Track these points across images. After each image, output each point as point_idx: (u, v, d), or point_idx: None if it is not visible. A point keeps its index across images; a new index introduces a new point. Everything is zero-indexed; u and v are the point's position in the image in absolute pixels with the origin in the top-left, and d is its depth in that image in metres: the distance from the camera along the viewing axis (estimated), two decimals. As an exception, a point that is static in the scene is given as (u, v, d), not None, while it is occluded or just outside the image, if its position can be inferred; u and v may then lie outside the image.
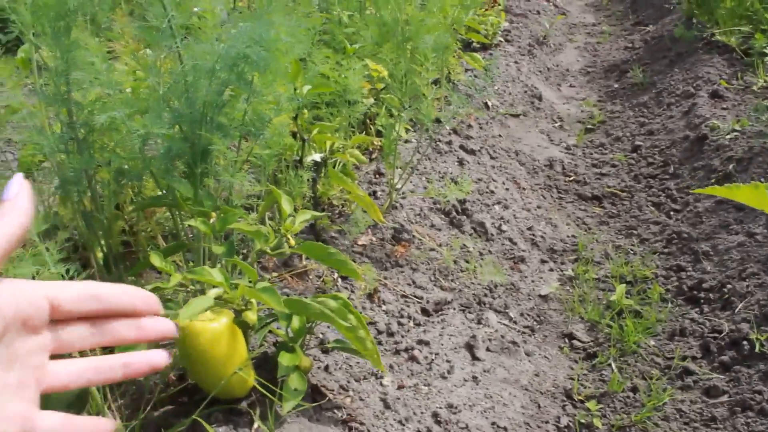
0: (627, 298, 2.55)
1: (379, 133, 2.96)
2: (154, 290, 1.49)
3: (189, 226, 1.68)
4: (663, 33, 5.56)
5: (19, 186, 0.72)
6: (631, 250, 2.94)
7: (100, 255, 1.97)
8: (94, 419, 0.77)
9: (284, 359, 1.55)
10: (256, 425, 1.55)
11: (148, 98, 1.67)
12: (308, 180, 2.20)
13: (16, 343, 0.71)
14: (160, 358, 0.76)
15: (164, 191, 1.78)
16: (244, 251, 2.08)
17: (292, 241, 1.63)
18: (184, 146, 1.65)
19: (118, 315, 0.76)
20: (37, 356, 0.73)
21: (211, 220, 1.62)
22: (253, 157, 1.85)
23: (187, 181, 1.67)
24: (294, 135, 2.20)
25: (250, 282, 1.48)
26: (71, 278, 1.40)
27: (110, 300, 0.75)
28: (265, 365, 1.72)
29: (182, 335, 1.43)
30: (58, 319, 0.74)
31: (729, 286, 2.42)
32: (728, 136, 3.32)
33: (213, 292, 1.46)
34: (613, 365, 2.25)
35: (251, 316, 1.46)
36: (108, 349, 0.82)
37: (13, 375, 0.70)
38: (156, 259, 1.53)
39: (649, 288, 2.62)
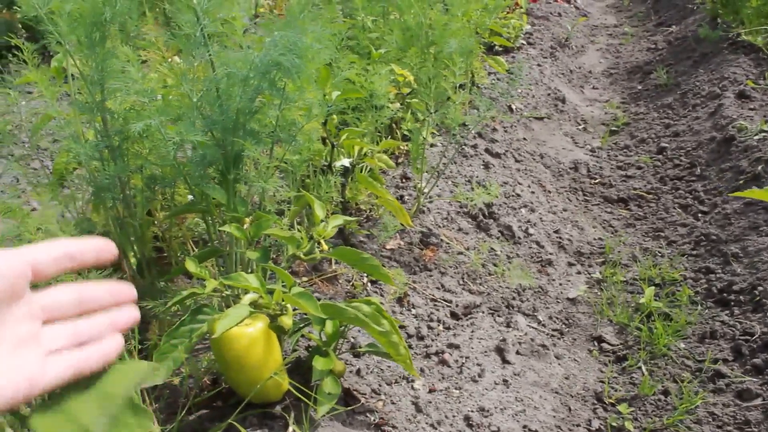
0: (656, 300, 2.54)
1: (405, 138, 2.97)
2: (190, 296, 1.51)
3: (222, 231, 1.70)
4: (686, 33, 5.53)
5: None
6: (659, 252, 2.93)
7: (133, 260, 2.00)
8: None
9: (318, 363, 1.57)
10: (290, 429, 1.57)
11: (180, 106, 1.70)
12: (337, 184, 2.21)
13: (8, 310, 0.73)
14: (135, 312, 0.82)
15: (196, 198, 1.81)
16: (274, 256, 2.10)
17: (325, 246, 1.65)
18: (217, 153, 1.66)
19: (88, 267, 0.81)
20: (29, 324, 0.75)
21: (245, 226, 1.64)
22: (283, 163, 1.87)
23: (220, 187, 1.69)
24: (323, 140, 2.21)
25: (284, 287, 1.50)
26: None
27: (81, 256, 0.80)
28: (298, 370, 1.74)
29: (218, 340, 1.44)
30: (40, 287, 0.78)
31: (760, 288, 2.40)
32: (756, 137, 3.29)
33: (248, 298, 1.48)
34: (644, 368, 2.24)
35: (287, 321, 1.47)
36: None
37: (6, 346, 0.72)
38: (191, 265, 1.55)
39: (678, 290, 2.60)
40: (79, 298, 0.82)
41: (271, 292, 1.50)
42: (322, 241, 1.65)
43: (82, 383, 0.83)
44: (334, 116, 2.23)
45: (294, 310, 1.56)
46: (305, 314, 1.70)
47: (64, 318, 0.80)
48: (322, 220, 1.67)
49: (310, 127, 1.87)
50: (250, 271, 1.74)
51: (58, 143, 2.98)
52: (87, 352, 0.79)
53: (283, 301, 1.49)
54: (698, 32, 5.07)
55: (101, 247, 0.81)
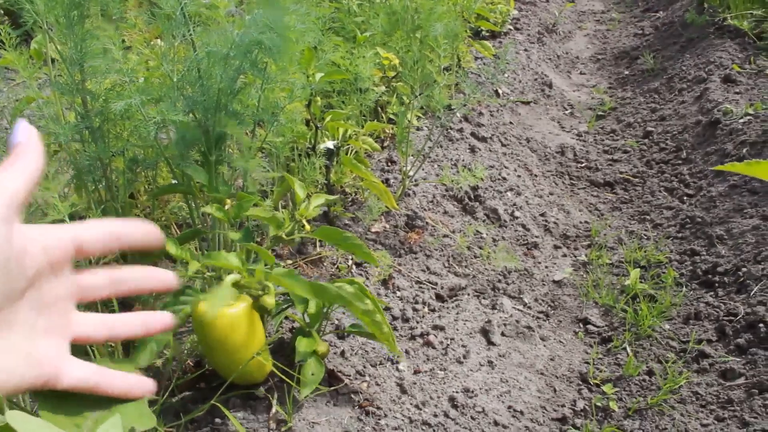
0: (641, 282, 2.54)
1: (390, 121, 2.96)
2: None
3: (204, 213, 1.68)
4: (673, 19, 5.53)
5: (27, 130, 0.72)
6: (645, 235, 2.94)
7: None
8: (132, 375, 0.80)
9: (301, 344, 1.56)
10: (273, 410, 1.56)
11: (161, 86, 1.68)
12: (321, 167, 2.20)
13: (46, 287, 0.72)
14: (169, 319, 0.82)
15: (178, 179, 1.79)
16: (258, 239, 2.08)
17: (308, 226, 1.64)
18: (198, 133, 1.65)
19: (133, 249, 0.81)
20: (64, 302, 0.75)
21: (226, 207, 1.62)
22: (267, 145, 1.86)
23: (202, 168, 1.68)
24: (307, 123, 2.20)
25: (267, 266, 1.49)
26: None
27: (127, 238, 0.79)
28: (282, 351, 1.73)
29: (200, 321, 1.43)
30: (80, 267, 0.77)
31: (744, 269, 2.41)
32: (741, 120, 3.30)
33: (230, 278, 1.47)
34: (629, 349, 2.25)
35: (269, 301, 1.46)
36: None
37: (42, 320, 0.72)
38: (171, 247, 1.54)
39: (663, 273, 2.61)
40: (117, 277, 0.81)
41: (252, 272, 1.49)
42: (305, 222, 1.64)
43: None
44: (318, 99, 2.22)
45: (277, 289, 1.56)
46: (288, 295, 1.69)
47: (98, 297, 0.80)
48: (303, 200, 1.65)
49: (292, 108, 1.85)
50: (236, 252, 1.73)
51: (39, 128, 2.96)
52: (110, 376, 0.79)
53: (265, 280, 1.48)
54: (685, 17, 5.07)
55: (148, 230, 0.81)
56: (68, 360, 0.75)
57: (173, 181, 1.93)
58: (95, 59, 1.63)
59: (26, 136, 0.71)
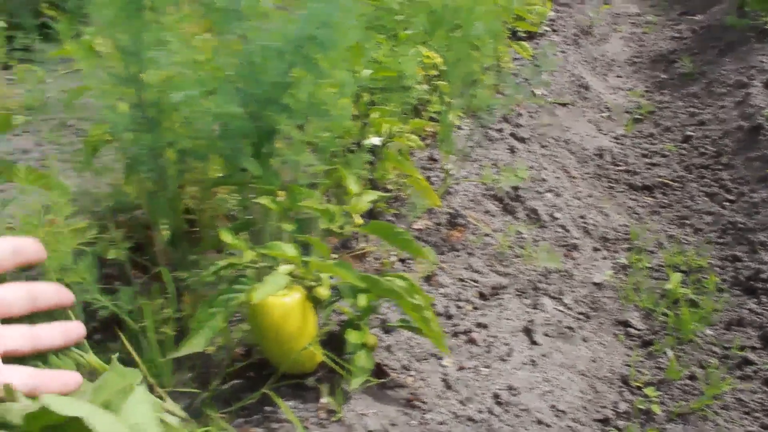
0: (682, 287, 2.53)
1: (431, 120, 2.96)
2: (228, 266, 1.52)
3: (256, 204, 1.70)
4: (712, 23, 5.49)
5: None
6: (685, 239, 2.92)
7: (165, 233, 2.01)
8: (66, 372, 0.84)
9: (352, 336, 1.57)
10: (323, 400, 1.58)
11: (215, 80, 1.70)
12: (365, 163, 2.21)
13: None
14: (83, 329, 0.90)
15: (229, 172, 1.81)
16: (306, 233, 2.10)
17: (359, 221, 1.65)
18: (251, 126, 1.67)
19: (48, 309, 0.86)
20: None
21: (278, 199, 1.64)
22: (315, 139, 1.87)
23: (255, 160, 1.70)
24: (354, 118, 2.21)
25: (321, 258, 1.51)
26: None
27: (43, 297, 0.85)
28: (329, 344, 1.74)
29: (255, 309, 1.45)
30: None
31: (788, 276, 2.39)
32: (785, 126, 3.27)
33: (284, 269, 1.49)
34: (670, 353, 2.24)
35: (323, 292, 1.48)
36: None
37: None
38: (227, 236, 1.56)
39: (705, 278, 2.60)
40: (30, 296, 0.84)
41: (306, 263, 1.51)
42: (356, 216, 1.65)
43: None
44: (365, 94, 2.23)
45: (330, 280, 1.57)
46: (336, 289, 1.71)
47: (15, 315, 0.83)
48: (355, 195, 1.67)
49: (341, 104, 1.87)
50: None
51: (87, 119, 3.00)
52: (47, 375, 0.82)
53: (319, 271, 1.49)
54: (725, 21, 5.03)
55: (60, 291, 0.87)
56: (3, 368, 0.78)
57: (222, 174, 1.95)
58: (152, 51, 1.66)
59: None
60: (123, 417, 0.77)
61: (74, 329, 0.88)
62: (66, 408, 0.70)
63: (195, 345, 1.39)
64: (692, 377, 2.11)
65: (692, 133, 3.84)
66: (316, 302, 1.52)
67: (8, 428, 0.72)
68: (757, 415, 1.94)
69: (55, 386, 0.81)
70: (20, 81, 4.27)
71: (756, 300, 2.40)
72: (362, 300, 1.61)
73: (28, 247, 0.84)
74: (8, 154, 2.72)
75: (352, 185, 1.67)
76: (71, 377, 0.83)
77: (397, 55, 2.47)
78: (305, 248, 1.72)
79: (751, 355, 2.14)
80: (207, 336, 1.41)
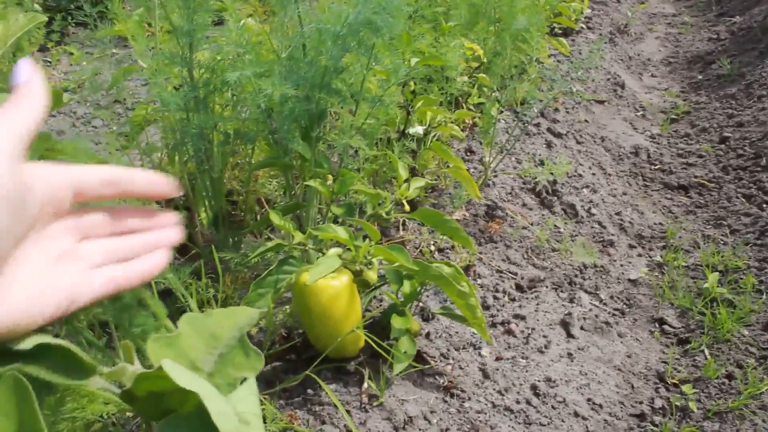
0: (719, 287, 2.51)
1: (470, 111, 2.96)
2: (276, 247, 1.53)
3: (302, 186, 1.72)
4: (752, 24, 5.42)
5: (29, 69, 0.71)
6: (722, 240, 2.90)
7: (207, 214, 2.03)
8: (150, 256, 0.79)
9: (396, 322, 1.58)
10: (365, 385, 1.59)
11: (269, 61, 1.71)
12: (409, 151, 2.22)
13: (47, 226, 0.72)
14: (179, 234, 0.80)
15: (278, 154, 1.82)
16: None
17: (407, 207, 1.66)
18: (302, 109, 1.68)
19: (136, 197, 0.78)
20: (67, 238, 0.74)
21: (327, 182, 1.65)
22: (363, 125, 1.88)
23: (305, 143, 1.71)
24: (399, 106, 2.22)
25: (371, 242, 1.51)
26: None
27: (127, 185, 0.76)
28: (372, 329, 1.76)
29: (303, 291, 1.47)
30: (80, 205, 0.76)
31: (829, 279, 2.37)
32: (826, 130, 3.23)
33: (333, 251, 1.50)
34: (707, 352, 2.23)
35: (372, 276, 1.49)
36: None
37: (51, 251, 0.71)
38: (275, 217, 1.57)
39: (742, 278, 2.58)
40: (118, 218, 0.79)
41: (357, 247, 1.52)
42: (404, 202, 1.66)
43: (188, 324, 0.83)
44: (411, 83, 2.23)
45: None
46: (380, 273, 1.72)
47: (100, 236, 0.78)
48: (405, 180, 1.67)
49: (391, 91, 1.87)
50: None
51: (125, 102, 3.03)
52: (131, 265, 0.77)
53: (369, 255, 1.50)
54: (765, 22, 4.97)
55: (155, 181, 0.78)
56: (88, 274, 0.74)
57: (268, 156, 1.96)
58: (207, 30, 1.67)
59: (28, 75, 0.71)
60: (232, 402, 0.76)
61: (165, 236, 0.81)
62: (184, 379, 0.68)
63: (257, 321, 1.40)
64: (729, 376, 2.10)
65: (730, 135, 3.80)
66: (364, 286, 1.54)
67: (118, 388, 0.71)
68: (795, 417, 1.93)
69: (139, 275, 0.77)
70: (55, 63, 4.32)
71: (794, 303, 2.38)
72: (407, 287, 1.62)
73: (136, 180, 0.77)
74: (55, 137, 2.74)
75: (402, 171, 1.68)
76: (156, 258, 0.79)
77: (441, 45, 2.47)
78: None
79: (789, 358, 2.12)
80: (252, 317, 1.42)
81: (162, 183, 0.78)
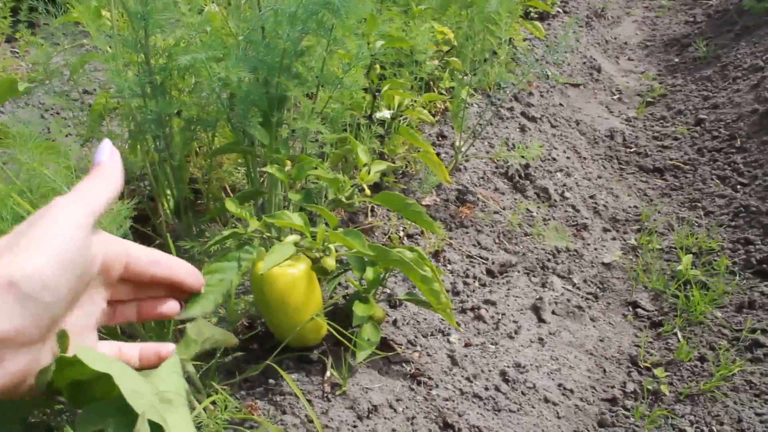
0: (693, 269, 2.50)
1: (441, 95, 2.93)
2: (231, 235, 1.49)
3: (264, 173, 1.67)
4: (727, 7, 5.41)
5: (110, 150, 0.80)
6: (696, 222, 2.88)
7: (169, 203, 1.98)
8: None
9: (359, 309, 1.55)
10: (328, 374, 1.55)
11: (225, 45, 1.66)
12: (376, 136, 2.18)
13: (94, 292, 0.79)
14: (170, 350, 0.88)
15: (238, 140, 1.78)
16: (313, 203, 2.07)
17: (368, 191, 1.62)
18: (261, 92, 1.63)
19: (172, 284, 0.88)
20: (100, 303, 0.81)
21: (286, 168, 1.61)
22: (326, 109, 1.84)
23: (263, 128, 1.66)
24: (365, 90, 2.17)
25: (327, 227, 1.48)
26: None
27: (168, 270, 0.87)
28: (335, 316, 1.72)
29: (260, 279, 1.43)
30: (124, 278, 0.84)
31: (801, 259, 2.35)
32: (800, 110, 3.22)
33: (291, 239, 1.46)
34: (679, 335, 2.21)
35: (330, 262, 1.45)
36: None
37: (83, 314, 0.78)
38: (231, 205, 1.53)
39: (716, 260, 2.56)
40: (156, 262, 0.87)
41: (313, 234, 1.48)
42: (365, 187, 1.62)
43: None
44: (378, 66, 2.19)
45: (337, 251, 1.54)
46: (344, 260, 1.68)
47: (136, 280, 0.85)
48: (365, 164, 1.64)
49: (353, 75, 1.83)
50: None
51: (91, 92, 2.97)
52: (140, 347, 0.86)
53: (326, 242, 1.46)
54: (742, 4, 4.96)
55: (191, 270, 0.89)
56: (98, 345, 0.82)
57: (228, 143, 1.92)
58: (162, 14, 1.62)
59: (109, 156, 0.79)
60: (153, 382, 0.75)
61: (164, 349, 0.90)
62: (97, 362, 0.67)
63: (194, 311, 1.35)
64: (702, 359, 2.08)
65: (705, 117, 3.79)
66: (322, 274, 1.49)
67: (41, 382, 0.70)
68: (766, 397, 1.91)
69: (149, 357, 0.86)
70: (23, 53, 4.24)
71: (767, 283, 2.36)
72: (370, 273, 1.59)
73: (175, 265, 0.89)
74: (11, 125, 2.68)
75: (362, 155, 1.64)
76: (165, 347, 0.87)
77: (410, 29, 2.43)
78: (312, 219, 1.69)
79: (762, 338, 2.11)
80: (215, 300, 1.37)
81: (196, 275, 0.90)
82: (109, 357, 0.72)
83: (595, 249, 2.65)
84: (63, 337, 0.79)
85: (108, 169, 0.77)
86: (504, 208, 2.52)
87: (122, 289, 0.85)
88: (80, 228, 0.69)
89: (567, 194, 2.85)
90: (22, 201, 1.20)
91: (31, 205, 1.23)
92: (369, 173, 1.63)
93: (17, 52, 4.23)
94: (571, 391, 1.87)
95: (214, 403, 1.35)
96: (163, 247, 1.75)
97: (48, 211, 0.69)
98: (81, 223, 0.69)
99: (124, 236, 1.51)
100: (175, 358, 0.81)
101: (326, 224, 1.52)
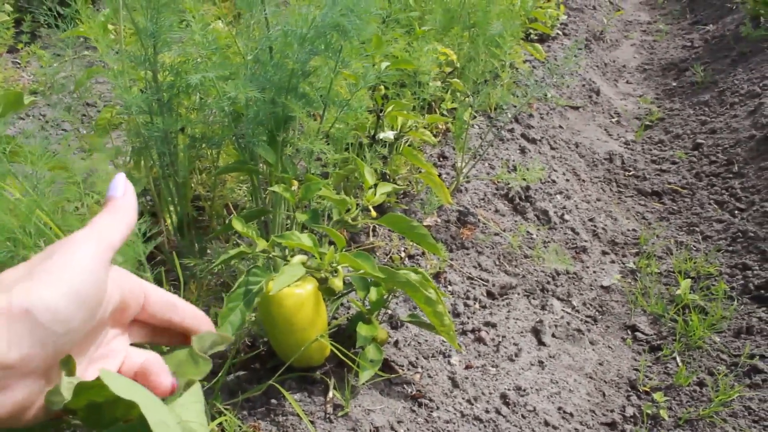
0: (691, 293, 2.51)
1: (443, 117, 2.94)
2: (238, 255, 1.50)
3: (270, 192, 1.68)
4: (725, 32, 5.46)
5: (124, 185, 0.80)
6: (694, 246, 2.90)
7: (172, 219, 1.98)
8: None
9: (362, 330, 1.55)
10: (330, 394, 1.55)
11: (233, 64, 1.67)
12: (380, 156, 2.19)
13: (106, 331, 0.79)
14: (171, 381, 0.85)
15: (244, 159, 1.78)
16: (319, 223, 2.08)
17: (374, 213, 1.63)
18: (268, 112, 1.64)
19: (183, 330, 0.87)
20: (121, 343, 0.81)
21: (293, 188, 1.62)
22: (331, 130, 1.85)
23: (270, 148, 1.67)
24: (369, 111, 2.19)
25: (336, 249, 1.48)
26: (146, 236, 1.42)
27: (184, 315, 0.86)
28: (337, 337, 1.72)
29: (267, 299, 1.43)
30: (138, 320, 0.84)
31: (799, 286, 2.37)
32: (797, 137, 3.25)
33: (297, 259, 1.46)
34: (678, 359, 2.22)
35: (337, 283, 1.45)
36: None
37: (101, 351, 0.79)
38: (238, 224, 1.54)
39: (714, 285, 2.57)
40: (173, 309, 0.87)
41: (321, 254, 1.48)
42: (371, 208, 1.63)
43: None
44: (382, 87, 2.21)
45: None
46: (348, 281, 1.68)
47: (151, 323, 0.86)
48: (371, 186, 1.64)
49: (359, 95, 1.84)
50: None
51: (95, 105, 2.97)
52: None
53: (336, 262, 1.47)
54: (738, 31, 5.01)
55: (201, 317, 0.88)
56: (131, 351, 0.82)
57: (233, 162, 1.92)
58: (171, 32, 1.63)
59: (123, 191, 0.79)
60: (176, 411, 0.75)
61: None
62: (122, 389, 0.67)
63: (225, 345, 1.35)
64: (701, 384, 2.09)
65: (703, 141, 3.81)
66: (329, 294, 1.50)
67: (55, 404, 0.69)
68: (766, 423, 1.92)
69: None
70: (24, 64, 4.24)
71: (765, 309, 2.38)
72: (374, 294, 1.59)
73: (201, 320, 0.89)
74: (20, 140, 2.69)
75: (368, 176, 1.65)
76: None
77: (413, 50, 2.45)
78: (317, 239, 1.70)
79: (760, 364, 2.12)
80: (233, 327, 1.38)
81: (205, 321, 0.89)
82: (132, 382, 0.71)
83: (594, 272, 2.66)
84: (68, 363, 0.79)
85: (123, 205, 0.78)
86: (504, 230, 2.53)
87: (137, 331, 0.85)
88: (98, 261, 0.70)
89: (566, 217, 2.86)
90: (45, 217, 1.20)
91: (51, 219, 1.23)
92: (375, 195, 1.64)
93: (18, 63, 4.24)
94: (571, 414, 1.87)
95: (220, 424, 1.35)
96: (165, 264, 1.76)
97: (67, 243, 0.70)
98: (99, 257, 0.70)
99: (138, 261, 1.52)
100: (197, 386, 0.81)
101: (332, 244, 1.52)
